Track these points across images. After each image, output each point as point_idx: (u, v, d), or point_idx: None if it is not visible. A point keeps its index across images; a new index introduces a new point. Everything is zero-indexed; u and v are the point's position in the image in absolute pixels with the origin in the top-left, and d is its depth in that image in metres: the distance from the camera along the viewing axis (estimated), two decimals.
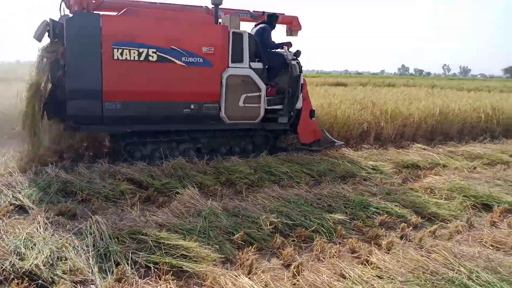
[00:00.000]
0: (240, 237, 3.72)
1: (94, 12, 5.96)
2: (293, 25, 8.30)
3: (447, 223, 4.44)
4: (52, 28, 5.75)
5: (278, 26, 7.73)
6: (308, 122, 7.31)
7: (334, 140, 7.68)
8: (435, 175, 6.17)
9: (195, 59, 6.18)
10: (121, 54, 5.72)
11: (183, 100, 6.25)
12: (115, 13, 6.28)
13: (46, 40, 6.00)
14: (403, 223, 4.26)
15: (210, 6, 7.10)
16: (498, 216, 4.64)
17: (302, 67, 7.05)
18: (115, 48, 5.67)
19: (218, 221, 3.95)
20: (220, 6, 6.68)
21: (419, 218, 4.46)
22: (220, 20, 6.81)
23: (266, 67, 6.85)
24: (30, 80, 5.80)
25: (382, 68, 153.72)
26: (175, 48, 6.02)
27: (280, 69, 7.03)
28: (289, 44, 7.16)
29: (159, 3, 6.87)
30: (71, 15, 5.99)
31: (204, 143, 6.73)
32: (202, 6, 7.24)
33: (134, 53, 5.78)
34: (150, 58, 5.88)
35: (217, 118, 6.53)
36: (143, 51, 5.83)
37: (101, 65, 5.63)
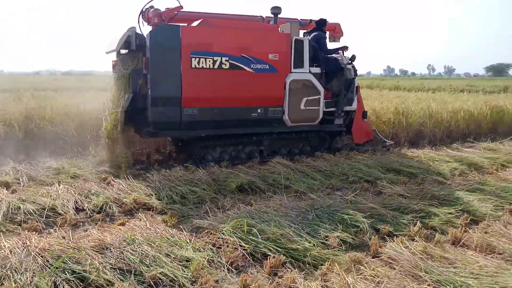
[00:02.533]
0: None
1: (174, 24, 6.28)
2: (335, 32, 8.65)
3: None
4: (134, 39, 6.08)
5: None
6: (361, 123, 7.69)
7: (385, 140, 8.06)
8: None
9: (262, 66, 6.54)
10: (198, 62, 6.06)
11: (251, 105, 6.61)
12: (185, 24, 6.63)
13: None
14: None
15: (264, 15, 7.52)
16: (265, 272, 3.19)
17: (357, 70, 7.44)
18: (192, 57, 6.01)
19: None
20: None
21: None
22: (278, 28, 7.18)
23: (324, 71, 7.22)
24: (112, 89, 6.12)
25: (368, 70, 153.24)
26: (245, 56, 6.37)
27: (335, 73, 7.39)
28: (345, 48, 7.53)
29: (224, 14, 7.24)
30: (149, 27, 6.32)
31: (266, 145, 7.08)
32: (257, 16, 7.61)
33: (209, 61, 6.13)
34: (223, 66, 6.23)
35: (280, 121, 6.89)
36: (217, 60, 6.18)
37: (181, 73, 5.97)
